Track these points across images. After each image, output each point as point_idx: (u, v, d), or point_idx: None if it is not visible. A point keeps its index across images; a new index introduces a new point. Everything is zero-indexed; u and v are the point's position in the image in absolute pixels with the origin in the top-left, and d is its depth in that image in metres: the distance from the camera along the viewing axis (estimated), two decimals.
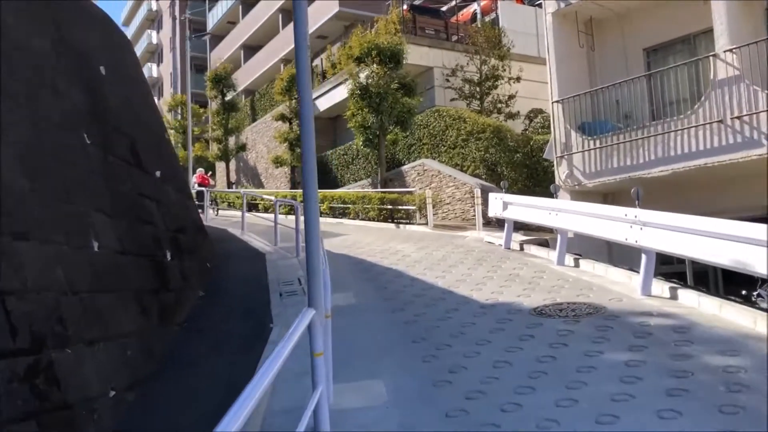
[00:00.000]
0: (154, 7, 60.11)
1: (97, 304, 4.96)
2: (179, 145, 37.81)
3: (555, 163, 13.28)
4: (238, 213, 23.36)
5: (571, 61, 13.79)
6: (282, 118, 26.81)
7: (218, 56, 42.13)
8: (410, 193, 18.01)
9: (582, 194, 12.70)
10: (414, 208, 17.02)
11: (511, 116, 23.19)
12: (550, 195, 12.00)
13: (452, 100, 22.95)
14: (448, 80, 23.16)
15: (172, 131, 36.75)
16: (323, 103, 28.57)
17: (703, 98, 11.00)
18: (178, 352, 6.01)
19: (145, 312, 5.95)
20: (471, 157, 19.49)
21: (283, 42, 33.61)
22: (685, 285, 7.91)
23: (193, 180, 23.19)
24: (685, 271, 11.39)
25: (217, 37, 47.44)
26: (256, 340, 6.25)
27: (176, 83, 41.85)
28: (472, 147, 19.48)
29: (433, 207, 17.00)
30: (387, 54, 19.18)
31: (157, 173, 8.57)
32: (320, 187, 24.88)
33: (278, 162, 27.06)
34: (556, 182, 12.94)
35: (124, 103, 8.10)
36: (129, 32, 68.92)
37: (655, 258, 7.39)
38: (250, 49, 41.28)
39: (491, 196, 11.89)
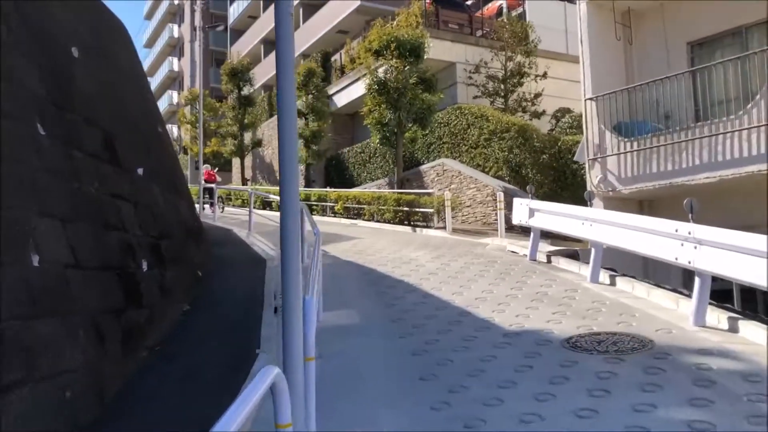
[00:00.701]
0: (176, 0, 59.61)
1: (29, 335, 4.01)
2: (195, 140, 37.21)
3: (587, 166, 12.11)
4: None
5: (607, 55, 12.61)
6: (297, 113, 25.88)
7: (238, 51, 41.33)
8: (428, 194, 16.95)
9: (616, 201, 11.53)
10: (432, 210, 15.97)
11: (537, 115, 22.04)
12: (579, 200, 10.89)
13: (475, 97, 21.85)
14: (471, 77, 22.05)
15: (188, 126, 36.10)
16: (342, 99, 27.62)
17: (758, 97, 9.79)
18: (137, 387, 5.04)
19: (102, 338, 4.99)
20: (494, 158, 18.38)
21: (303, 37, 32.70)
22: (745, 313, 6.75)
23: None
24: (731, 290, 10.20)
25: (238, 32, 46.77)
26: (232, 372, 5.25)
27: (193, 77, 41.17)
28: (495, 147, 18.36)
29: (453, 210, 15.93)
30: (407, 47, 18.12)
31: (139, 171, 7.62)
32: (337, 186, 23.95)
33: None
34: (588, 187, 11.78)
35: (102, 92, 7.16)
36: (151, 26, 68.77)
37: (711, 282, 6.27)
38: (271, 44, 40.38)
39: (516, 201, 10.78)
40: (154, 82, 65.25)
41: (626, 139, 11.47)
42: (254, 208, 25.90)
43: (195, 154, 36.93)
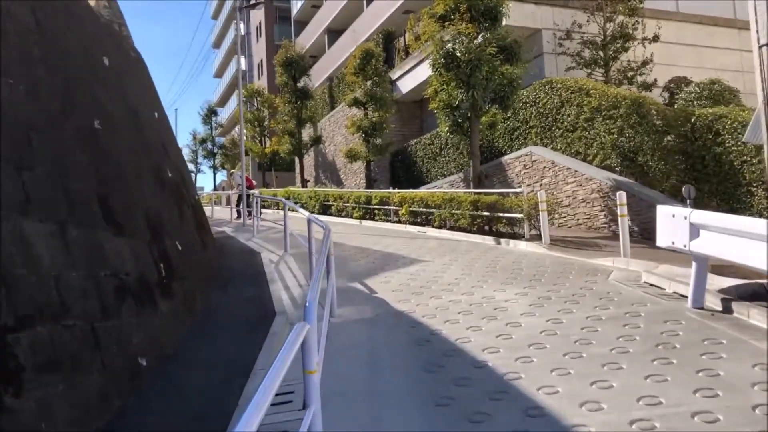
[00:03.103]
0: None
1: None
2: (257, 140, 34.56)
3: (766, 147, 8.00)
4: (302, 216, 19.17)
5: None
6: (355, 103, 22.47)
7: (302, 43, 38.44)
8: (515, 194, 13.12)
9: None
10: (521, 216, 12.14)
11: (646, 87, 17.71)
12: (725, 196, 6.85)
13: (568, 69, 17.75)
14: (561, 44, 17.96)
15: (247, 124, 33.53)
16: (406, 84, 24.02)
17: None
18: None
19: None
20: (598, 142, 14.30)
21: (367, 21, 29.26)
22: None
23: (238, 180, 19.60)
24: None
25: (302, 23, 44.04)
26: None
27: (250, 72, 38.83)
28: (599, 128, 14.27)
29: (549, 214, 12.06)
30: (480, 8, 14.31)
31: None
32: (403, 185, 20.27)
33: (351, 156, 22.76)
34: None
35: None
36: (217, 25, 67.44)
37: None
38: (335, 33, 37.31)
39: (663, 211, 6.79)
40: (224, 83, 64.00)
41: None
42: (313, 212, 22.95)
43: (257, 154, 34.39)
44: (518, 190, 12.68)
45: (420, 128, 25.23)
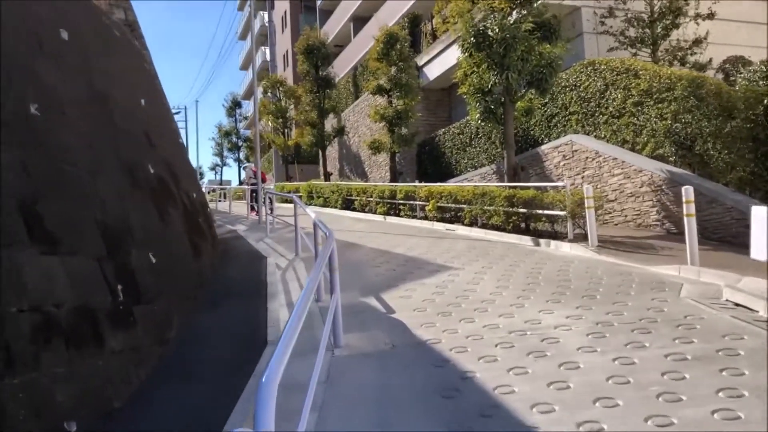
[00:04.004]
0: None
1: None
2: (280, 132, 33.38)
3: None
4: (322, 212, 17.54)
5: None
6: (379, 90, 21.05)
7: (327, 32, 37.08)
8: (555, 189, 11.65)
9: None
10: (564, 214, 10.67)
11: (700, 67, 16.01)
12: None
13: (610, 50, 16.12)
14: (603, 22, 16.32)
15: (269, 116, 32.39)
16: (434, 70, 22.56)
17: None
18: None
19: None
20: (649, 129, 12.71)
21: (393, 7, 27.77)
22: None
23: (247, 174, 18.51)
24: None
25: (327, 12, 42.68)
26: None
27: (274, 63, 37.57)
28: (650, 113, 12.68)
29: (597, 211, 10.56)
30: None
31: None
32: (431, 178, 18.75)
33: (375, 147, 21.37)
34: None
35: None
36: (243, 17, 66.43)
37: None
38: (360, 20, 35.84)
39: (759, 214, 5.29)
40: (249, 75, 63.13)
41: None
42: (335, 208, 21.69)
43: (280, 147, 33.22)
44: (560, 184, 11.19)
45: (448, 117, 23.74)
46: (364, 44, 33.57)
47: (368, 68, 22.79)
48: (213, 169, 56.08)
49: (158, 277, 5.68)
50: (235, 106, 49.99)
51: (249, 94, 61.89)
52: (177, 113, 48.62)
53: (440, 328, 5.70)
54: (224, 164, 52.99)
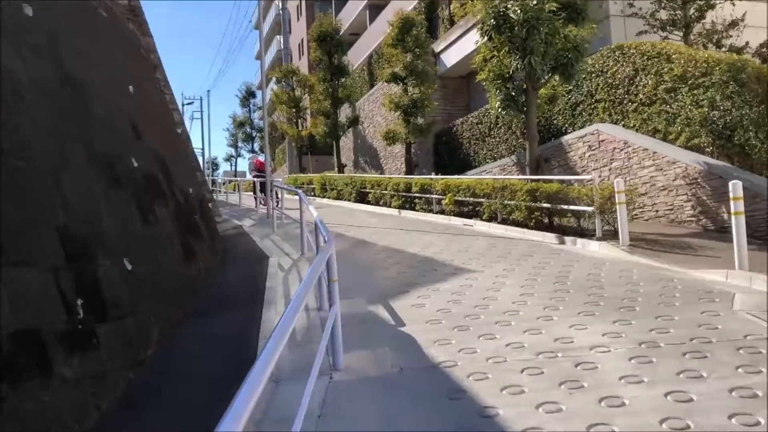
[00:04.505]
0: None
1: None
2: (293, 122, 32.62)
3: None
4: (333, 204, 17.16)
5: None
6: (394, 78, 20.21)
7: (343, 20, 36.24)
8: (581, 183, 10.82)
9: None
10: (591, 209, 9.84)
11: (736, 51, 14.97)
12: None
13: (639, 33, 15.18)
14: (631, 4, 15.36)
15: (282, 106, 31.69)
16: (451, 57, 21.68)
17: None
18: None
19: None
20: (683, 118, 11.79)
21: None
22: None
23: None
24: None
25: (342, 0, 41.81)
26: None
27: (286, 51, 36.78)
28: (685, 100, 11.75)
29: (629, 206, 9.72)
30: None
31: None
32: (448, 170, 17.92)
33: (389, 137, 20.56)
34: None
35: None
36: (258, 6, 65.77)
37: None
38: (376, 8, 34.96)
39: None
40: (265, 65, 62.43)
41: None
42: (349, 201, 20.96)
43: (293, 137, 32.50)
44: (587, 177, 10.33)
45: (467, 106, 22.86)
46: (380, 32, 32.71)
47: (383, 55, 21.99)
48: (228, 160, 55.65)
49: (135, 287, 4.98)
50: (249, 96, 49.37)
51: (265, 83, 61.33)
52: (190, 103, 48.11)
53: (456, 345, 4.94)
54: (239, 155, 52.49)
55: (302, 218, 9.71)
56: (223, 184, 35.71)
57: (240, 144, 51.86)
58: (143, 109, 7.72)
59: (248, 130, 49.36)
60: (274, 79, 33.25)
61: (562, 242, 10.01)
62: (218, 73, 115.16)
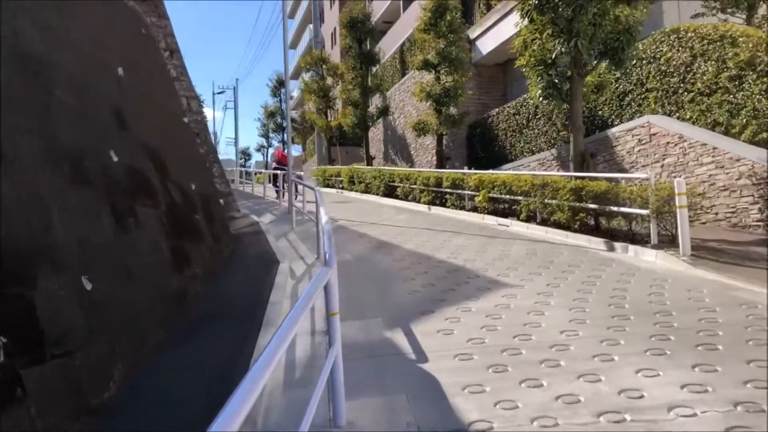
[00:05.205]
0: None
1: None
2: (322, 112, 31.67)
3: None
4: (355, 197, 16.27)
5: None
6: (425, 65, 19.04)
7: (376, 9, 35.04)
8: (633, 182, 9.61)
9: None
10: (647, 213, 8.63)
11: None
12: None
13: (695, 16, 13.79)
14: None
15: (312, 95, 30.78)
16: (487, 44, 20.44)
17: None
18: None
19: None
20: (750, 109, 10.46)
21: None
22: None
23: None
24: None
25: None
26: None
27: (316, 39, 35.79)
28: (752, 89, 10.43)
29: (690, 210, 8.49)
30: None
31: None
32: (481, 163, 16.54)
33: (419, 128, 19.43)
34: None
35: None
36: None
37: None
38: None
39: None
40: (297, 54, 61.54)
41: None
42: (377, 195, 19.94)
43: (322, 128, 31.57)
44: (643, 175, 9.11)
45: (503, 95, 21.60)
46: (413, 19, 31.49)
47: (415, 42, 20.85)
48: (259, 150, 55.11)
49: (96, 311, 4.05)
50: (279, 85, 48.60)
51: (297, 73, 60.49)
52: (221, 92, 47.55)
53: (492, 395, 3.89)
54: (269, 145, 51.88)
55: (318, 217, 8.71)
56: (255, 174, 35.05)
57: (271, 134, 51.26)
58: (137, 95, 6.80)
59: (279, 120, 48.64)
60: (305, 69, 32.34)
61: (612, 249, 8.84)
62: (250, 62, 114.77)
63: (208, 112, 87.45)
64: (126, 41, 7.35)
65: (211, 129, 60.55)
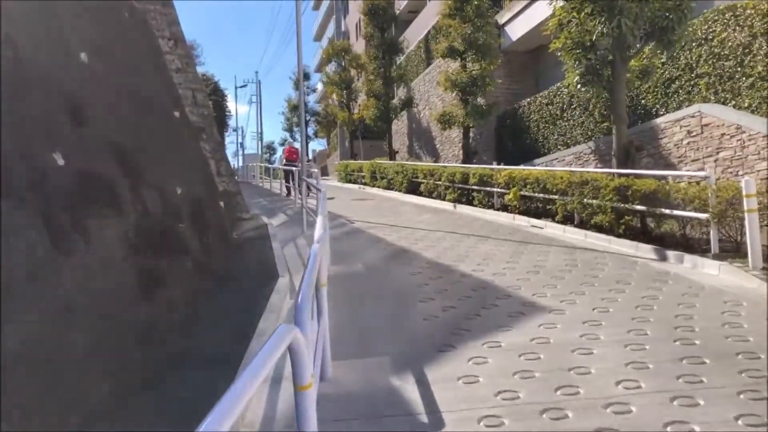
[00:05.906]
0: None
1: None
2: (345, 105, 30.60)
3: None
4: (379, 194, 15.17)
5: None
6: (450, 52, 17.80)
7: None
8: (688, 181, 8.37)
9: None
10: (706, 216, 7.40)
11: None
12: None
13: None
14: None
15: (333, 87, 29.76)
16: (517, 30, 19.14)
17: None
18: None
19: None
20: None
21: None
22: None
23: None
24: None
25: None
26: None
27: (340, 31, 34.67)
28: None
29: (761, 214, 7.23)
30: None
31: None
32: (511, 157, 14.46)
33: (444, 120, 18.23)
34: None
35: None
36: None
37: None
38: None
39: None
40: (322, 47, 60.52)
41: None
42: (399, 191, 18.87)
43: (343, 121, 30.53)
44: (701, 173, 7.88)
45: (534, 85, 20.25)
46: (439, 7, 30.17)
47: (440, 29, 19.63)
48: (283, 144, 54.35)
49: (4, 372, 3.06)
50: (305, 78, 47.65)
51: (320, 67, 59.40)
52: (243, 86, 46.82)
53: None
54: (293, 139, 51.05)
55: (325, 224, 7.65)
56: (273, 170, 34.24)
57: (295, 129, 50.44)
58: (108, 87, 5.83)
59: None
60: (327, 60, 31.29)
61: (664, 258, 7.63)
62: (272, 56, 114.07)
63: (230, 105, 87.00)
64: (101, 24, 6.37)
65: (233, 124, 59.87)
